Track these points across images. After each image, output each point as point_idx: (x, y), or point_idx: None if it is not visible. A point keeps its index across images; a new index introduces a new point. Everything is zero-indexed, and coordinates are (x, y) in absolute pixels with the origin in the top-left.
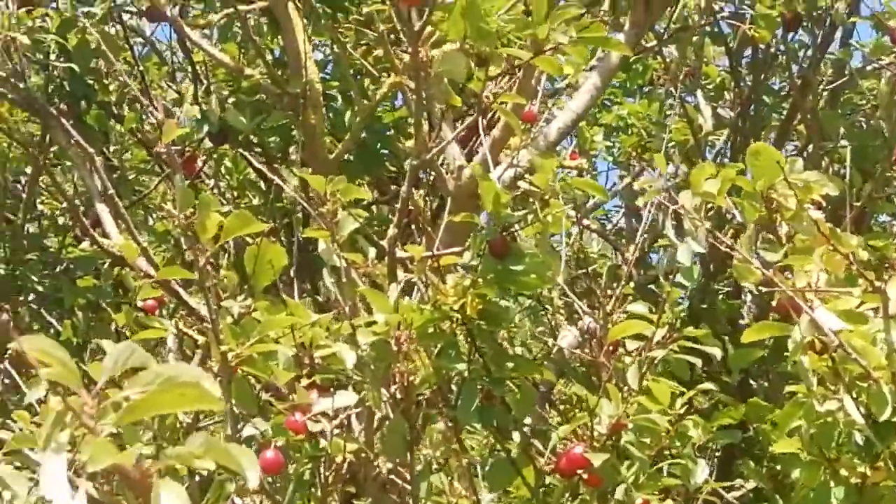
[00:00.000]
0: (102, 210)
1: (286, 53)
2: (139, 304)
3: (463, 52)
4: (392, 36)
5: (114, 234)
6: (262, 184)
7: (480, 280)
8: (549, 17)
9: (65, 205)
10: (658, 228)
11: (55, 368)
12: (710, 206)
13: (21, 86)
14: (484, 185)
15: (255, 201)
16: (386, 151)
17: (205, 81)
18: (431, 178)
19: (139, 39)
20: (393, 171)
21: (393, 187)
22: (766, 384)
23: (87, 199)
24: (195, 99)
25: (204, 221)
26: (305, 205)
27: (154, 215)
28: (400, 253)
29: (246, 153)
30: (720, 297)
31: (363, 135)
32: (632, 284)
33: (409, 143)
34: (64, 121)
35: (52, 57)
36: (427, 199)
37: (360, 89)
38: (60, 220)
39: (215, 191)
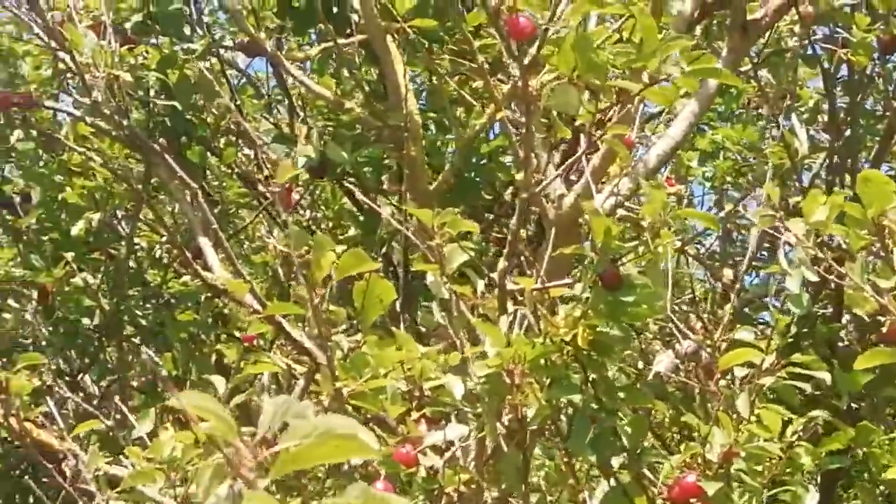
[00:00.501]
0: (205, 244)
1: (385, 85)
2: (237, 335)
3: (573, 85)
4: (488, 65)
5: (216, 268)
6: (359, 214)
7: (591, 312)
8: (658, 48)
9: (164, 238)
10: (752, 252)
11: (212, 422)
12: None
13: (124, 123)
14: (594, 220)
15: (352, 231)
16: (481, 180)
17: (301, 113)
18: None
19: (232, 71)
20: (488, 198)
21: (487, 215)
22: (871, 408)
23: (187, 233)
24: (292, 131)
25: (319, 260)
26: (413, 238)
27: (252, 246)
28: (510, 285)
29: (345, 184)
30: (820, 320)
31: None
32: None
33: (518, 177)
34: (167, 157)
35: (153, 93)
36: (526, 227)
37: (455, 119)
38: (158, 254)
39: (311, 221)
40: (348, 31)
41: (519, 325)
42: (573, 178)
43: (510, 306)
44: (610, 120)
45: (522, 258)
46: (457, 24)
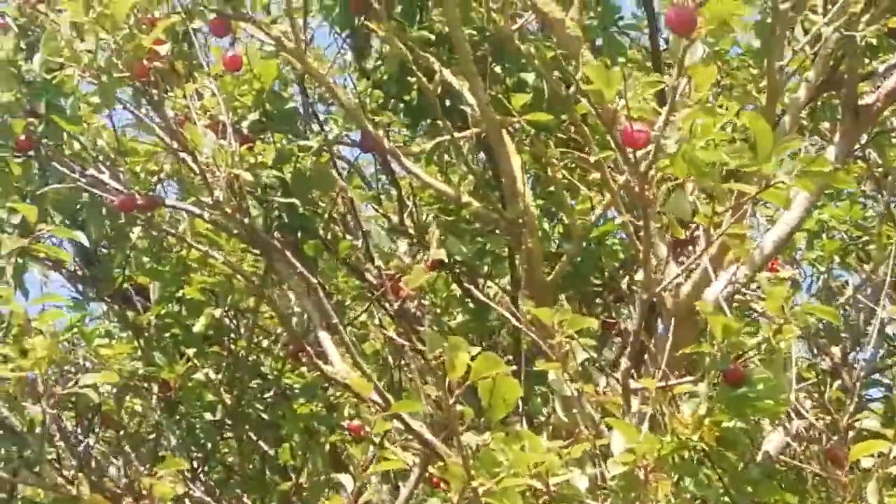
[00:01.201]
0: (324, 338)
1: (502, 178)
2: (344, 424)
3: (685, 189)
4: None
5: (337, 362)
6: (469, 301)
7: (716, 408)
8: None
9: (283, 332)
10: (858, 330)
11: None
12: None
13: (245, 221)
14: (713, 319)
15: (460, 318)
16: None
17: (409, 204)
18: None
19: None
20: (597, 283)
21: (597, 300)
22: None
23: (305, 326)
24: (401, 222)
25: (453, 361)
26: (533, 336)
27: (357, 332)
28: (633, 383)
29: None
30: None
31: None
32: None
33: (639, 276)
34: (287, 253)
35: (270, 190)
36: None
37: (567, 209)
38: (275, 346)
39: (419, 308)
40: (459, 125)
41: (643, 421)
42: (683, 258)
43: (634, 403)
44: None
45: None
46: (572, 117)
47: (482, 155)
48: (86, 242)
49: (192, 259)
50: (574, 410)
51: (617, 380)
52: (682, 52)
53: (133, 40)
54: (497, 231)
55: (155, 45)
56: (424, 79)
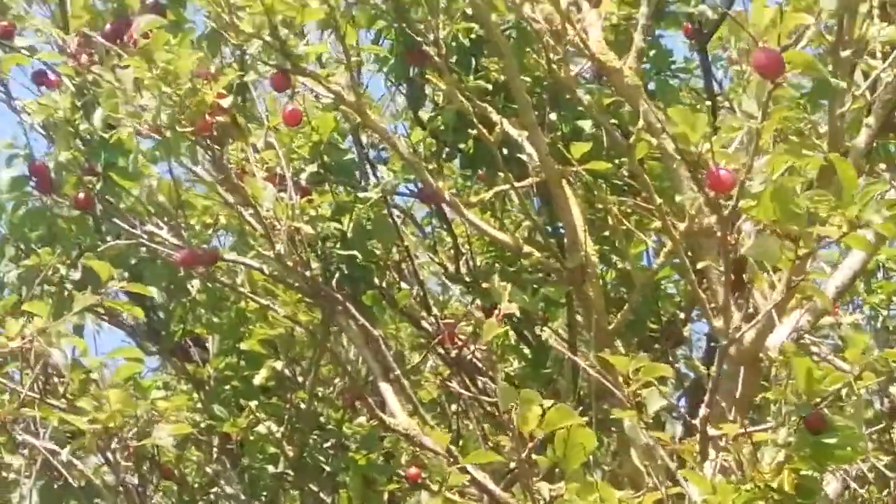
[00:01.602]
0: (386, 389)
1: (560, 227)
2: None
3: (773, 234)
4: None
5: (398, 413)
6: (524, 349)
7: (795, 456)
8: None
9: (336, 381)
10: None
11: None
12: None
13: (306, 273)
14: (797, 363)
15: (515, 365)
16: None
17: (464, 252)
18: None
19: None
20: (653, 328)
21: (656, 345)
22: None
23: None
24: (457, 270)
25: (526, 415)
26: (608, 384)
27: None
28: (711, 430)
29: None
30: None
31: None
32: None
33: (717, 324)
34: (349, 305)
35: (330, 242)
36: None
37: (628, 257)
38: (328, 396)
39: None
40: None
41: (720, 470)
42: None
43: (710, 451)
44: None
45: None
46: (631, 164)
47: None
48: (157, 297)
49: (249, 311)
50: (648, 461)
51: (695, 427)
52: (768, 95)
53: (196, 95)
54: (557, 279)
55: (217, 99)
56: (480, 128)
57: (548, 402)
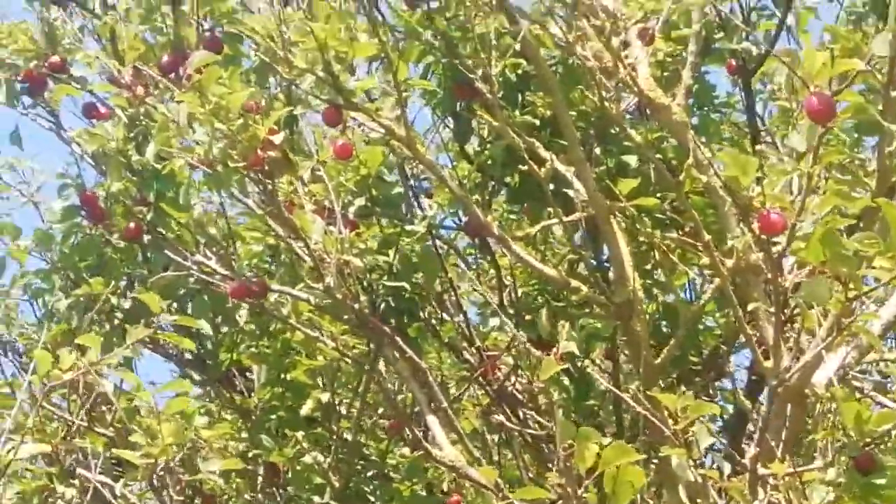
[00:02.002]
0: (433, 422)
1: (610, 262)
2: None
3: (823, 275)
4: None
5: (444, 445)
6: (566, 381)
7: (845, 495)
8: None
9: (379, 410)
10: None
11: None
12: None
13: (355, 306)
14: (845, 405)
15: (556, 396)
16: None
17: (507, 285)
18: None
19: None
20: (694, 361)
21: (697, 379)
22: None
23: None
24: (501, 303)
25: (583, 452)
26: (653, 419)
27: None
28: (760, 469)
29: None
30: None
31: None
32: None
33: (767, 364)
34: (397, 338)
35: (375, 274)
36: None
37: (674, 292)
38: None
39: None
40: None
41: None
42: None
43: (759, 490)
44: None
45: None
46: (681, 202)
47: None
48: (208, 331)
49: (295, 341)
50: (697, 499)
51: (742, 465)
52: (819, 140)
53: (248, 130)
54: (604, 314)
55: (269, 134)
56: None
57: (605, 440)
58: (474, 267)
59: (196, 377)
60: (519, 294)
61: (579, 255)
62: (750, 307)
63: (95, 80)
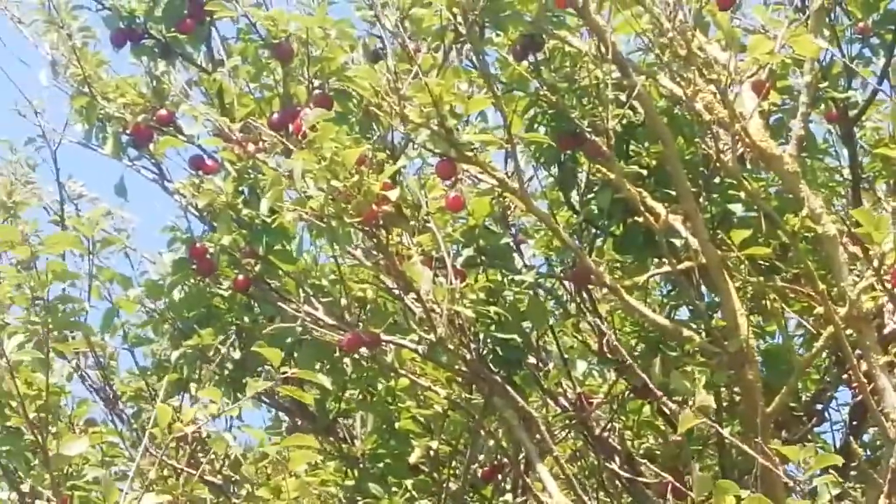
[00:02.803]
0: (542, 470)
1: (722, 312)
2: None
3: None
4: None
5: (555, 493)
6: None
7: None
8: None
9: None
10: None
11: None
12: None
13: (467, 356)
14: None
15: (650, 441)
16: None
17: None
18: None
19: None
20: (794, 406)
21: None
22: None
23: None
24: (600, 349)
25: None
26: (778, 472)
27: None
28: None
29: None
30: None
31: None
32: None
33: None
34: (508, 388)
35: (483, 324)
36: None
37: (786, 341)
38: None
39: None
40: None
41: None
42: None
43: None
44: None
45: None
46: (797, 252)
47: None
48: (328, 385)
49: (399, 390)
50: None
51: None
52: None
53: (363, 186)
54: (718, 363)
55: (384, 189)
56: (634, 213)
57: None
58: (576, 315)
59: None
60: (617, 341)
61: (694, 305)
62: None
63: (202, 134)
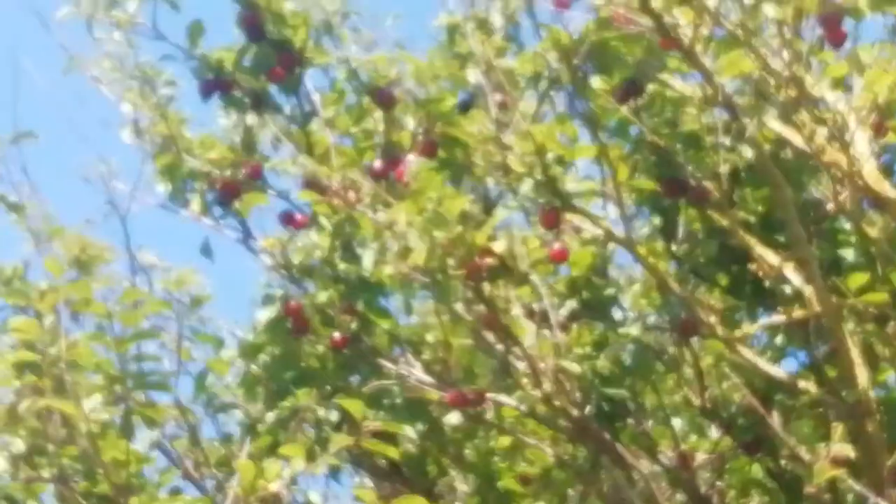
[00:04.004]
0: None
1: (839, 361)
2: None
3: None
4: None
5: None
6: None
7: None
8: None
9: None
10: None
11: None
12: None
13: (574, 413)
14: None
15: (756, 499)
16: None
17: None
18: None
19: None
20: None
21: None
22: None
23: None
24: (702, 403)
25: None
26: None
27: None
28: None
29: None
30: None
31: None
32: None
33: None
34: (615, 443)
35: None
36: None
37: None
38: None
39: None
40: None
41: None
42: None
43: None
44: None
45: None
46: None
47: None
48: (412, 435)
49: (500, 448)
50: None
51: None
52: None
53: (466, 238)
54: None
55: (488, 241)
56: (743, 261)
57: None
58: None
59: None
60: (719, 395)
61: (811, 356)
62: None
63: (292, 187)
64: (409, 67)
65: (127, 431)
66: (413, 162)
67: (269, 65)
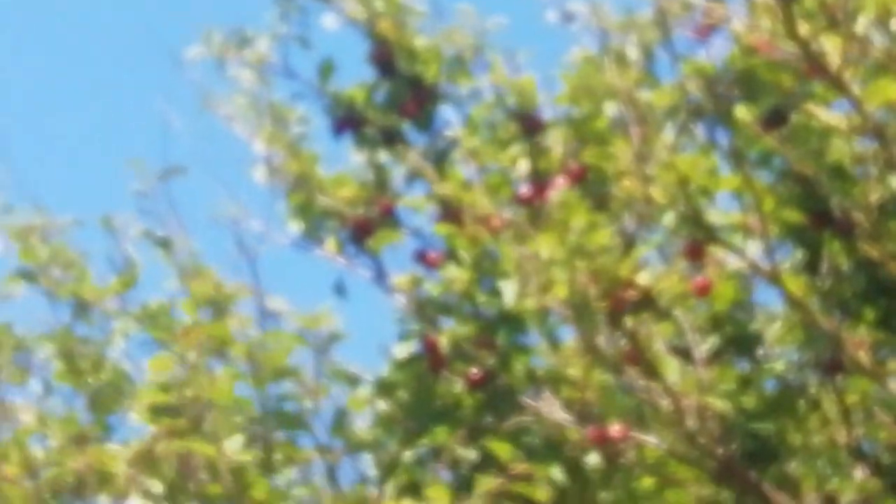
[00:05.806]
0: None
1: None
2: None
3: None
4: None
5: None
6: None
7: None
8: None
9: None
10: None
11: None
12: None
13: (720, 451)
14: None
15: None
16: None
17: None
18: None
19: None
20: None
21: None
22: None
23: None
24: (848, 445)
25: None
26: None
27: None
28: None
29: None
30: None
31: None
32: None
33: None
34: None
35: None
36: None
37: None
38: None
39: None
40: None
41: None
42: None
43: None
44: None
45: None
46: None
47: None
48: (560, 477)
49: (643, 490)
50: None
51: None
52: None
53: (611, 270)
54: None
55: (632, 273)
56: (891, 293)
57: None
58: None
59: None
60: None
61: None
62: None
63: (423, 224)
64: (562, 86)
65: (268, 470)
66: (561, 186)
67: (401, 101)
